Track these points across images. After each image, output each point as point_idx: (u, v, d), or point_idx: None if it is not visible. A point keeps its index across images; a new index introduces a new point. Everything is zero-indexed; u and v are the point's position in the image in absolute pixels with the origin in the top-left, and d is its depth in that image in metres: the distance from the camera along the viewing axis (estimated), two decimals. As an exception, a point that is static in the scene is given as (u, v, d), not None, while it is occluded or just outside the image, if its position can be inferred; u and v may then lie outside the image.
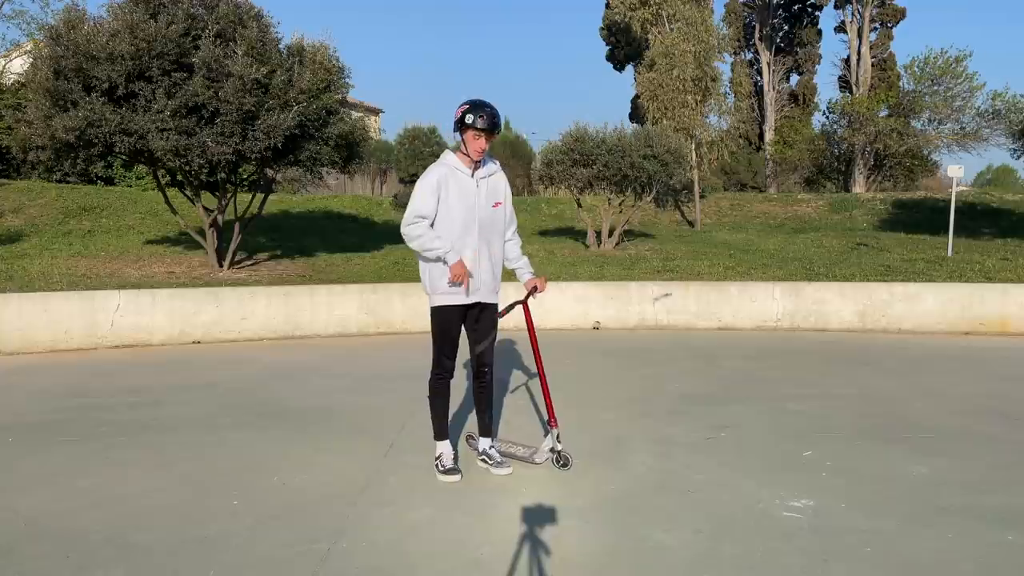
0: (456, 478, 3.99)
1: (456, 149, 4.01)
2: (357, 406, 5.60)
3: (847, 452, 4.46)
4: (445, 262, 3.85)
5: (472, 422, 4.57)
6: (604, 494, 3.80)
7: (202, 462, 4.32)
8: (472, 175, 3.95)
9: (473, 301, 3.98)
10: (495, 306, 4.11)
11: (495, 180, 4.06)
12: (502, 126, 4.33)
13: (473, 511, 3.61)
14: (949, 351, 7.95)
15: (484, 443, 4.19)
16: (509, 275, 4.24)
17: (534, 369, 4.56)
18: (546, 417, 4.23)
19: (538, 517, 3.51)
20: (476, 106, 3.87)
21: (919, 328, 9.09)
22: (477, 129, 3.83)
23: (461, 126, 3.87)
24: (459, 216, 3.90)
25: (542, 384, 4.26)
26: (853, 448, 4.54)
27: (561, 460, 4.11)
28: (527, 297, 4.21)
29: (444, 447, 4.11)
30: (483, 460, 4.17)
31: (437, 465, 4.07)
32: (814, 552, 3.17)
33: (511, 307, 4.17)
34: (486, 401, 4.18)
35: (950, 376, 6.71)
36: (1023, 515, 3.54)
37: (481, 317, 4.05)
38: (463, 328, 4.06)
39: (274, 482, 4.00)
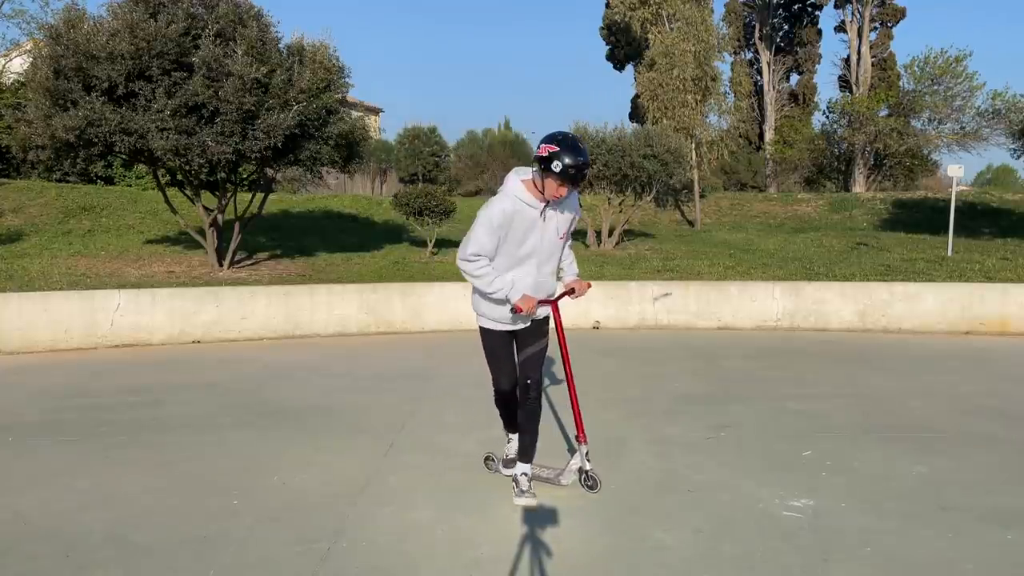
0: (529, 502, 3.61)
1: (528, 177, 3.54)
2: (357, 406, 5.60)
3: (847, 452, 4.46)
4: (509, 300, 3.52)
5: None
6: (604, 494, 3.80)
7: (202, 462, 4.32)
8: (542, 211, 3.51)
9: (520, 327, 3.71)
10: (543, 320, 3.78)
11: (566, 212, 3.62)
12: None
13: (473, 511, 3.61)
14: (949, 351, 7.95)
15: (520, 468, 3.77)
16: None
17: (561, 375, 4.43)
18: (574, 432, 3.86)
19: (538, 517, 3.51)
20: (569, 149, 3.34)
21: (919, 328, 9.09)
22: (562, 179, 3.35)
23: (545, 167, 3.37)
24: (516, 249, 3.53)
25: (571, 393, 3.84)
26: (853, 448, 4.54)
27: (590, 481, 3.77)
28: (560, 296, 3.80)
29: (514, 437, 3.90)
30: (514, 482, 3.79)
31: (516, 487, 3.72)
32: (814, 552, 3.17)
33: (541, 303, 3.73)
34: (527, 420, 3.74)
35: (950, 376, 6.70)
36: (1023, 515, 3.54)
37: (528, 328, 3.74)
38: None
39: (274, 482, 4.00)
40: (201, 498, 3.77)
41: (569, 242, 3.87)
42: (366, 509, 3.64)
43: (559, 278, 3.90)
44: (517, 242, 3.51)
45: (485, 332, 3.73)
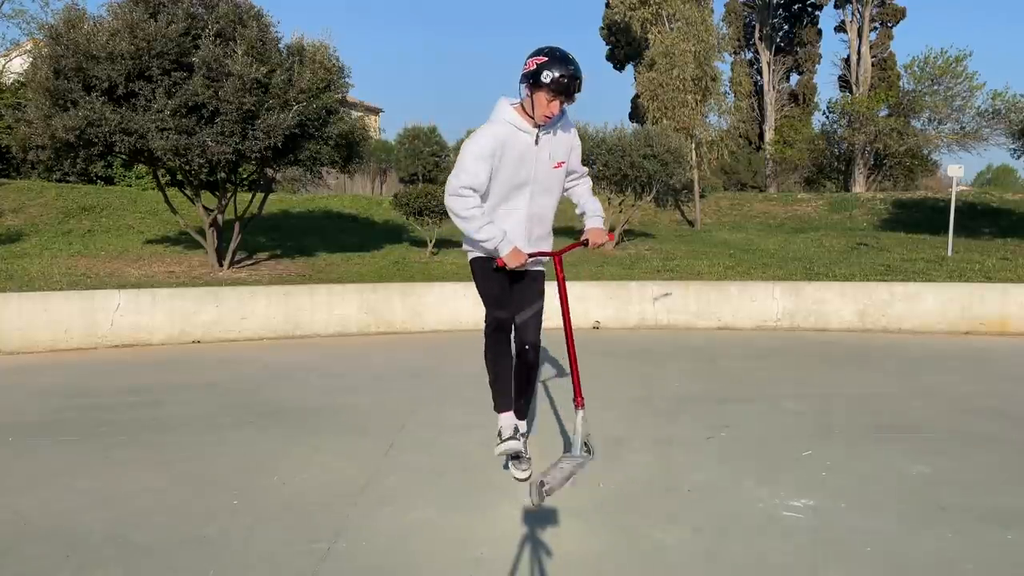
0: (513, 445, 3.46)
1: (517, 102, 3.32)
2: (357, 406, 5.60)
3: (847, 452, 4.46)
4: (498, 252, 3.27)
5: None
6: (604, 494, 3.80)
7: (202, 462, 4.32)
8: (536, 137, 3.29)
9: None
10: (540, 273, 3.53)
11: (560, 137, 3.37)
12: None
13: (473, 511, 3.61)
14: (949, 351, 7.95)
15: (514, 421, 3.67)
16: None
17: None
18: (570, 400, 3.58)
19: (538, 517, 3.51)
20: (558, 60, 3.11)
21: (919, 328, 9.08)
22: (553, 91, 3.12)
23: (533, 81, 3.13)
24: (510, 179, 3.30)
25: (570, 355, 3.48)
26: (853, 448, 4.54)
27: (585, 449, 3.48)
28: (567, 248, 3.52)
29: (503, 419, 3.59)
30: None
31: (498, 437, 3.53)
32: (814, 552, 3.17)
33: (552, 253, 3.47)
34: (523, 383, 3.59)
35: (950, 376, 6.70)
36: (1023, 515, 3.54)
37: (523, 282, 3.49)
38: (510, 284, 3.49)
39: (274, 482, 3.99)
40: (201, 498, 3.77)
41: (588, 181, 3.66)
42: (366, 509, 3.63)
43: (580, 219, 3.63)
44: (510, 172, 3.27)
45: (476, 261, 3.46)
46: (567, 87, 3.12)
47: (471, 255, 3.52)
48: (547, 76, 3.09)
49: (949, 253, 13.91)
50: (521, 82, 3.21)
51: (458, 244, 15.07)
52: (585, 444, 3.46)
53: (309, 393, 6.04)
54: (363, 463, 4.28)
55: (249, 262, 12.14)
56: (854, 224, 22.72)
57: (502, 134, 3.24)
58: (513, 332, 3.59)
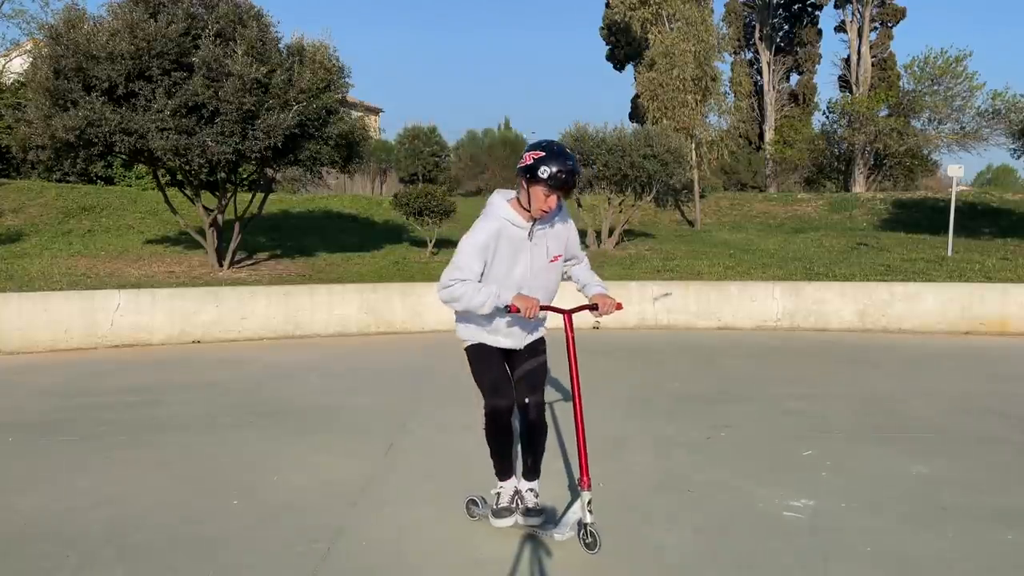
0: (507, 522, 3.34)
1: (513, 197, 3.26)
2: (357, 406, 5.60)
3: (847, 452, 4.46)
4: (506, 308, 3.13)
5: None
6: (604, 494, 3.80)
7: (202, 462, 4.32)
8: (529, 231, 3.21)
9: (511, 347, 3.37)
10: (539, 340, 3.48)
11: (557, 229, 3.31)
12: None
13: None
14: (949, 351, 7.95)
15: (524, 484, 3.49)
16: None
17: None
18: (576, 475, 3.42)
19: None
20: (555, 156, 3.07)
21: (919, 328, 9.09)
22: (550, 186, 3.06)
23: (530, 176, 3.08)
24: (505, 275, 3.21)
25: (578, 427, 3.26)
26: (853, 448, 4.54)
27: (588, 539, 3.13)
28: (577, 309, 3.40)
29: (505, 486, 3.46)
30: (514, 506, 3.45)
31: (495, 503, 3.45)
32: (814, 552, 3.17)
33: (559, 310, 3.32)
34: (527, 444, 3.47)
35: (950, 376, 6.71)
36: (1023, 515, 3.54)
37: (522, 354, 3.42)
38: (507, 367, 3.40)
39: (274, 481, 4.00)
40: (201, 498, 3.77)
41: (586, 262, 3.59)
42: (366, 509, 3.63)
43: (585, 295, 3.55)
44: (506, 266, 3.19)
45: (472, 348, 3.35)
46: (564, 182, 3.08)
47: (465, 344, 3.40)
48: (544, 171, 3.05)
49: (949, 253, 13.91)
50: (518, 175, 3.17)
51: (457, 244, 15.06)
52: (588, 532, 3.14)
53: (309, 393, 6.04)
54: (363, 463, 4.28)
55: (249, 262, 12.14)
56: (854, 224, 22.72)
57: (495, 229, 3.18)
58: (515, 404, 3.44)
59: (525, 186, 3.13)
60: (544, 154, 3.08)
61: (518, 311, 3.12)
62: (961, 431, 4.92)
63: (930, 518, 3.51)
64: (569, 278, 3.61)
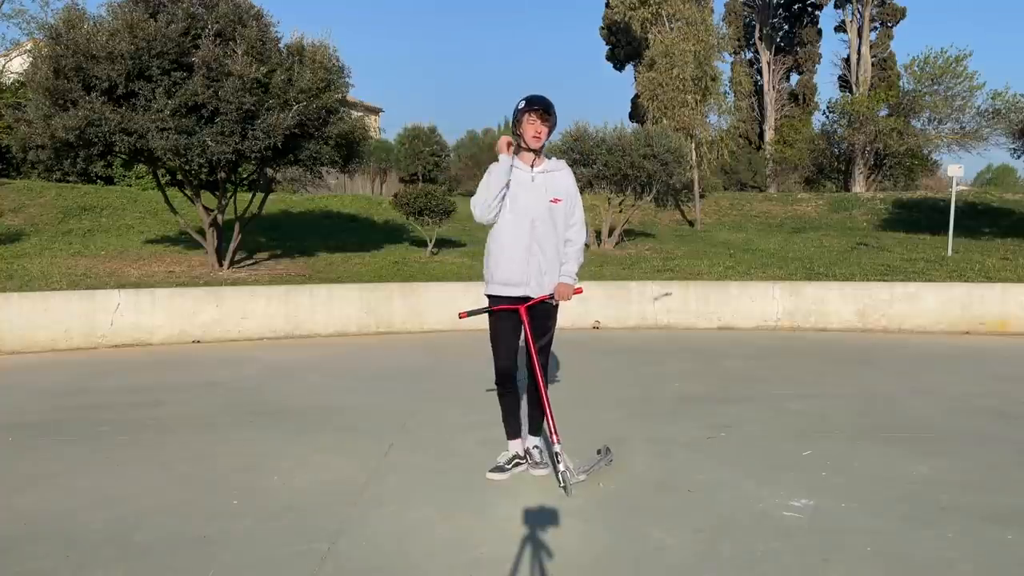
0: (499, 476, 3.98)
1: (516, 150, 4.01)
2: (357, 406, 5.60)
3: (847, 452, 4.46)
4: (502, 165, 3.90)
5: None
6: (604, 494, 3.80)
7: (202, 462, 4.32)
8: (531, 170, 3.96)
9: (520, 294, 3.92)
10: (552, 309, 4.03)
11: (556, 176, 4.03)
12: (556, 118, 4.04)
13: (473, 511, 3.61)
14: (949, 351, 7.95)
15: (531, 441, 4.15)
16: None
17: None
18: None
19: (538, 517, 3.51)
20: (528, 96, 3.91)
21: (919, 328, 9.09)
22: (531, 110, 3.84)
23: (516, 118, 3.92)
24: (516, 207, 3.92)
25: (542, 395, 3.94)
26: (853, 448, 4.54)
27: (563, 481, 3.79)
28: (540, 299, 3.94)
29: (511, 445, 4.15)
30: (521, 460, 4.12)
31: (497, 460, 4.09)
32: (814, 552, 3.17)
33: (483, 310, 3.96)
34: (532, 400, 4.09)
35: (950, 376, 6.71)
36: (1023, 515, 3.54)
37: (534, 314, 3.98)
38: (522, 329, 3.97)
39: (274, 482, 4.00)
40: (201, 498, 3.77)
41: (579, 243, 4.09)
42: (366, 509, 3.63)
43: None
44: (516, 199, 3.94)
45: (489, 301, 3.99)
46: (536, 100, 3.86)
47: (485, 290, 4.04)
48: (521, 103, 3.90)
49: (949, 253, 13.91)
50: (513, 128, 4.00)
51: (458, 243, 15.07)
52: (561, 475, 3.81)
53: (309, 393, 6.04)
54: (363, 463, 4.28)
55: (249, 262, 12.14)
56: (854, 224, 22.72)
57: (509, 167, 3.94)
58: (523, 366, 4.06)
59: (518, 129, 3.93)
60: (520, 101, 3.91)
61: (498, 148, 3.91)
62: (961, 431, 4.91)
63: (930, 518, 3.51)
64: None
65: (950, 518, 3.50)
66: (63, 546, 3.23)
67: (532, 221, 3.92)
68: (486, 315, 4.02)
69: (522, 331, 3.99)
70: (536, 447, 4.13)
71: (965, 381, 6.46)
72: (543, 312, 4.00)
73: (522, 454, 4.13)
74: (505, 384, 4.04)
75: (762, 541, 3.27)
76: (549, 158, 4.07)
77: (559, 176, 4.04)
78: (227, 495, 3.80)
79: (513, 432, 4.13)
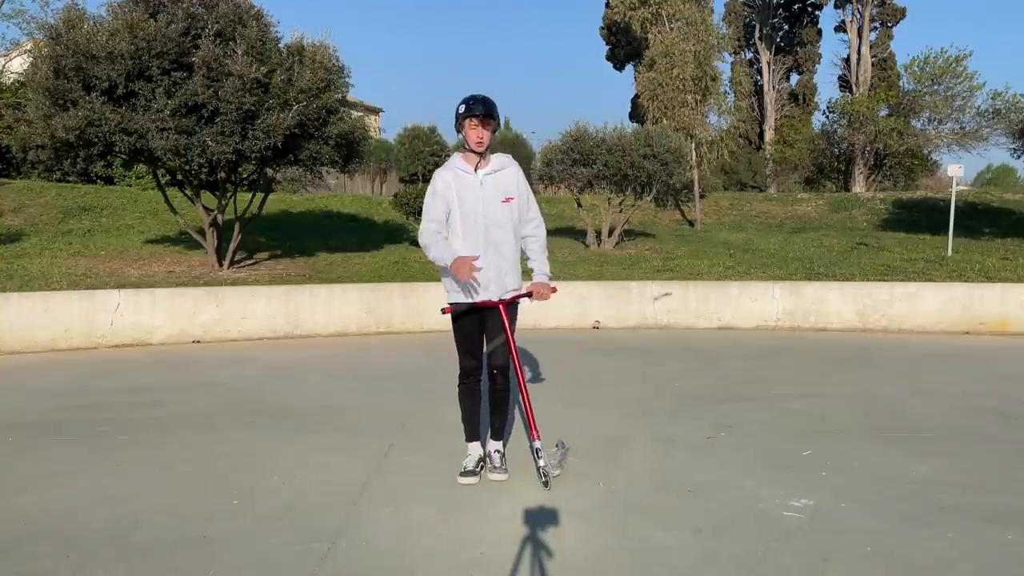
0: (471, 480, 3.93)
1: (461, 150, 3.95)
2: (357, 406, 5.60)
3: (847, 452, 4.46)
4: (448, 267, 3.78)
5: None
6: (604, 494, 3.80)
7: (202, 462, 4.32)
8: (476, 172, 3.85)
9: (480, 300, 3.87)
10: (512, 307, 3.99)
11: (504, 175, 3.91)
12: (500, 118, 4.16)
13: (473, 511, 3.61)
14: (949, 351, 7.95)
15: (492, 445, 4.11)
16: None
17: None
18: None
19: (538, 517, 3.51)
20: (467, 97, 3.81)
21: (919, 328, 9.09)
22: (472, 116, 3.75)
23: (458, 122, 3.80)
24: (464, 216, 3.81)
25: (521, 391, 3.93)
26: (853, 448, 4.54)
27: (543, 476, 3.86)
28: (514, 299, 3.96)
29: (471, 448, 4.09)
30: (484, 462, 4.09)
31: (463, 466, 4.03)
32: (814, 552, 3.17)
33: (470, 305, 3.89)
34: (496, 404, 4.04)
35: (950, 376, 6.71)
36: (1023, 515, 3.54)
37: (490, 317, 3.94)
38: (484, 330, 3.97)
39: (274, 482, 4.00)
40: (201, 498, 3.77)
41: (541, 237, 4.03)
42: (366, 509, 3.63)
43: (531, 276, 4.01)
44: (464, 207, 3.82)
45: (453, 308, 3.93)
46: (475, 101, 3.75)
47: (448, 300, 3.99)
48: (460, 107, 3.79)
49: (949, 253, 13.91)
50: (456, 131, 3.86)
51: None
52: (541, 471, 3.87)
53: (309, 393, 6.04)
54: (363, 463, 4.28)
55: (249, 262, 12.14)
56: (854, 224, 22.71)
57: (449, 176, 3.86)
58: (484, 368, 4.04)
59: (461, 133, 3.83)
60: (461, 101, 3.79)
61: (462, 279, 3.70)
62: (961, 431, 4.91)
63: (930, 518, 3.51)
64: (523, 248, 4.08)
65: (950, 518, 3.50)
66: (63, 546, 3.23)
67: (485, 228, 3.83)
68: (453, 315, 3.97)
69: (484, 332, 3.96)
70: (497, 451, 4.08)
71: (965, 381, 6.46)
72: (498, 315, 3.93)
73: (483, 456, 4.11)
74: (470, 383, 3.98)
75: (762, 541, 3.27)
76: (493, 156, 3.94)
77: (507, 174, 3.93)
78: (227, 495, 3.80)
79: (473, 434, 4.09)
